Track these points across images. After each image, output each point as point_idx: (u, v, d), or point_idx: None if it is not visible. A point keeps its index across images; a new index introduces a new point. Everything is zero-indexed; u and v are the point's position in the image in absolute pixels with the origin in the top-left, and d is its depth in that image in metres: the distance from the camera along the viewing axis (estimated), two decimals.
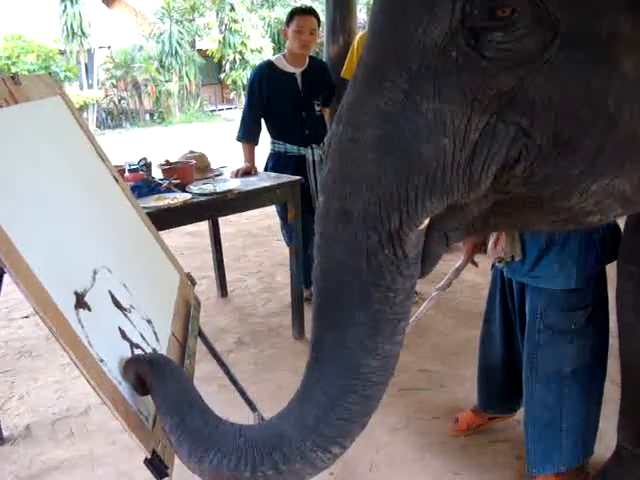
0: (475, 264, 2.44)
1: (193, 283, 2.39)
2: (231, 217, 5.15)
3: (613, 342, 2.23)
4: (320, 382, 1.13)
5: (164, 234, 2.48)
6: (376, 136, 1.01)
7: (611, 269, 2.16)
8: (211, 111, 25.34)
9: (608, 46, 0.95)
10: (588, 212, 1.12)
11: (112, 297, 1.57)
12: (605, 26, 0.94)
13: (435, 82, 0.97)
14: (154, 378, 1.29)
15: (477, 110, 0.98)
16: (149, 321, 1.71)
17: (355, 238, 1.05)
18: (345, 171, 1.05)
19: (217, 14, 25.02)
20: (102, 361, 1.32)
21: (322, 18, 4.74)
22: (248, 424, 1.23)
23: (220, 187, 3.36)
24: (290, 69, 4.03)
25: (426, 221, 1.06)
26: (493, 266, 2.43)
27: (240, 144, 4.19)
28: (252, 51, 24.76)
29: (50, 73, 2.25)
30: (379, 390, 1.15)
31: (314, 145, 4.06)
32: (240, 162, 4.06)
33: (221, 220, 4.60)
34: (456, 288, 4.31)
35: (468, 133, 0.99)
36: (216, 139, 15.30)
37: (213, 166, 4.05)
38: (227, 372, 2.34)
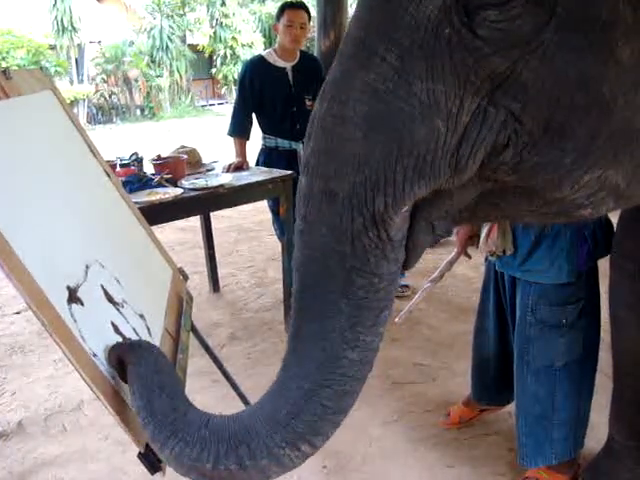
0: (468, 256, 2.45)
1: (185, 278, 2.39)
2: (223, 212, 5.13)
3: (605, 336, 2.24)
4: (296, 375, 1.08)
5: (156, 229, 2.48)
6: (364, 113, 0.97)
7: (602, 264, 2.17)
8: (202, 106, 25.27)
9: (606, 31, 0.91)
10: (579, 205, 1.09)
11: (105, 292, 1.56)
12: (604, 10, 0.90)
13: (427, 61, 0.93)
14: (131, 359, 1.27)
15: (469, 92, 0.94)
16: (142, 316, 1.71)
17: (340, 220, 1.00)
18: (330, 150, 1.00)
19: (208, 9, 24.95)
20: (95, 355, 1.32)
21: (313, 13, 4.73)
22: (218, 415, 1.17)
23: (212, 182, 3.37)
24: (281, 64, 4.03)
25: (410, 204, 1.02)
26: (486, 259, 2.44)
27: (231, 139, 4.19)
28: (243, 46, 24.73)
29: (41, 68, 2.23)
30: (356, 386, 1.10)
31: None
32: (231, 157, 4.07)
33: (213, 215, 4.60)
34: (448, 282, 4.32)
35: (460, 115, 0.95)
36: (207, 134, 15.27)
37: (204, 161, 4.07)
38: (220, 366, 2.34)
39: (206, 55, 25.47)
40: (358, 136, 0.97)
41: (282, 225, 3.83)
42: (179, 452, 1.07)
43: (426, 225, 1.10)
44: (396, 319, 2.28)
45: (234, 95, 4.43)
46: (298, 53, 4.09)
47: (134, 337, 1.56)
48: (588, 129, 0.97)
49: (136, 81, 23.12)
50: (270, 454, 1.06)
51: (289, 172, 3.70)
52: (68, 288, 1.38)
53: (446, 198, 1.07)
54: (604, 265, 2.13)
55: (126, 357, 1.29)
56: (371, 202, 0.98)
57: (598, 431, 2.42)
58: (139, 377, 1.21)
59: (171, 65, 23.54)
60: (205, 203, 3.38)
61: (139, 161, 3.59)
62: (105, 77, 22.89)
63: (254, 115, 4.17)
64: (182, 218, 3.61)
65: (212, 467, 1.06)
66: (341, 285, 1.04)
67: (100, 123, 21.63)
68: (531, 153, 0.98)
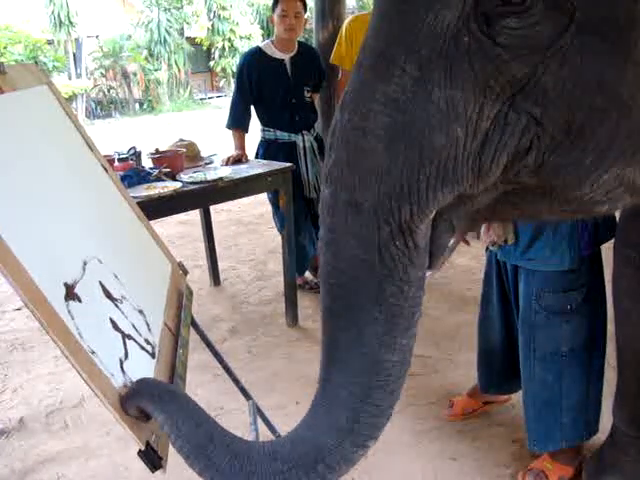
0: (467, 242, 2.41)
1: (185, 272, 2.37)
2: (222, 205, 5.14)
3: (609, 326, 2.23)
4: (343, 384, 1.10)
5: (155, 223, 2.46)
6: (385, 124, 0.97)
7: (607, 254, 2.15)
8: (201, 99, 25.28)
9: (624, 34, 0.92)
10: (598, 202, 1.10)
11: (103, 288, 1.55)
12: (622, 13, 0.91)
13: (447, 69, 0.94)
14: (165, 420, 1.20)
15: (489, 98, 0.95)
16: (141, 311, 1.69)
17: (367, 231, 1.01)
18: (353, 161, 1.01)
19: (205, 1, 24.90)
20: (93, 353, 1.30)
21: (311, 4, 4.70)
22: (275, 441, 1.20)
23: (211, 175, 3.35)
24: (279, 55, 4.01)
25: (435, 211, 1.04)
26: (487, 249, 2.42)
27: (230, 132, 4.18)
28: (241, 38, 24.71)
29: (36, 62, 2.21)
30: (401, 383, 1.13)
31: (304, 131, 4.05)
32: (230, 150, 4.05)
33: (212, 208, 4.60)
34: (449, 273, 4.32)
35: (480, 122, 0.96)
36: (206, 127, 15.26)
37: (203, 154, 4.04)
38: (221, 361, 2.33)
39: (204, 48, 25.46)
40: (380, 148, 0.98)
41: (282, 218, 3.81)
42: None
43: (447, 226, 1.12)
44: None
45: (233, 88, 4.40)
46: (296, 44, 4.07)
47: (133, 333, 1.55)
48: (608, 130, 0.98)
49: (134, 75, 23.10)
50: (345, 460, 1.11)
51: (288, 164, 3.68)
52: (65, 285, 1.36)
53: (467, 200, 1.08)
54: (606, 253, 2.12)
55: (158, 417, 1.22)
56: (396, 212, 1.00)
57: (602, 420, 2.41)
58: (186, 439, 1.16)
59: (169, 59, 23.55)
60: (204, 197, 3.36)
61: (137, 155, 3.57)
62: (103, 71, 22.92)
63: (253, 107, 4.15)
64: (181, 212, 3.59)
65: None
66: (372, 294, 1.05)
67: (99, 118, 21.65)
68: (553, 156, 0.99)
